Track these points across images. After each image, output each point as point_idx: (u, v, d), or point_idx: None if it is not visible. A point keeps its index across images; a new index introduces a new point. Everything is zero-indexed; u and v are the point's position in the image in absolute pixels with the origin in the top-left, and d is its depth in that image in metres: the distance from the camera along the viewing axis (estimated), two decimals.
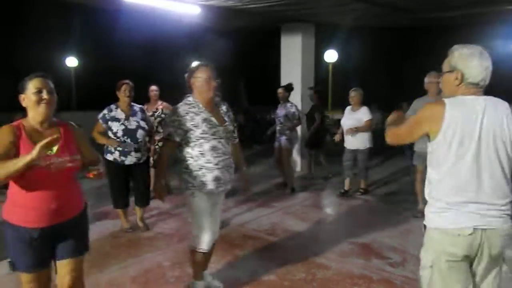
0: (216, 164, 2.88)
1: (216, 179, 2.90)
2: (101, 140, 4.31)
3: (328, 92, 10.48)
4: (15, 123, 2.18)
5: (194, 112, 2.85)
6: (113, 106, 4.40)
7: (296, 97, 7.48)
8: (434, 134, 1.96)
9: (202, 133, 2.83)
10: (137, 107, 4.51)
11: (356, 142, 5.88)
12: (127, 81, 4.42)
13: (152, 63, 13.10)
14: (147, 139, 4.59)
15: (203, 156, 2.85)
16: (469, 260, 1.96)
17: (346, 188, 6.07)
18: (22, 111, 2.23)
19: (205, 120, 2.85)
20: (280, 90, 6.25)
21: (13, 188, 2.14)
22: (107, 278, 3.48)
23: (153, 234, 4.56)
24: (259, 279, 3.44)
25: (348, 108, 6.07)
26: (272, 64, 9.08)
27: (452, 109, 1.91)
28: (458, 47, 2.00)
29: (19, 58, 11.67)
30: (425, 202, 2.10)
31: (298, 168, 7.86)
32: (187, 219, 5.04)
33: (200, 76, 2.86)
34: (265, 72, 10.97)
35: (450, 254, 1.94)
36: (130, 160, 4.33)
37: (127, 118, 4.34)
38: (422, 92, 4.93)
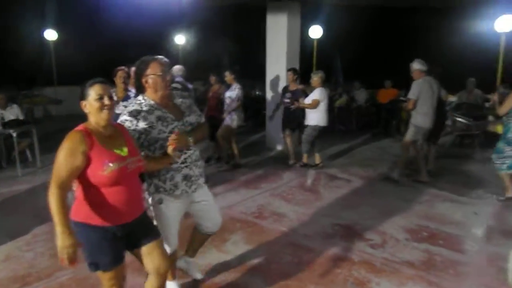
0: (183, 163, 2.68)
1: (187, 178, 2.72)
2: None
3: (312, 69, 10.52)
4: (80, 128, 2.17)
5: (146, 111, 2.56)
6: None
7: (282, 78, 7.53)
8: None
9: (159, 133, 2.57)
10: (133, 92, 4.34)
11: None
12: (123, 67, 4.52)
13: (135, 39, 12.82)
14: None
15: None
16: None
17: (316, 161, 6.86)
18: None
19: (159, 118, 2.58)
20: (227, 73, 6.66)
21: (90, 191, 2.17)
22: None
23: None
24: (247, 263, 3.60)
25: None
26: (257, 42, 9.04)
27: None
28: None
29: None
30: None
31: (280, 147, 8.09)
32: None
33: (154, 73, 2.57)
34: (251, 49, 10.92)
35: None
36: None
37: (116, 103, 4.26)
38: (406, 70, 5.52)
